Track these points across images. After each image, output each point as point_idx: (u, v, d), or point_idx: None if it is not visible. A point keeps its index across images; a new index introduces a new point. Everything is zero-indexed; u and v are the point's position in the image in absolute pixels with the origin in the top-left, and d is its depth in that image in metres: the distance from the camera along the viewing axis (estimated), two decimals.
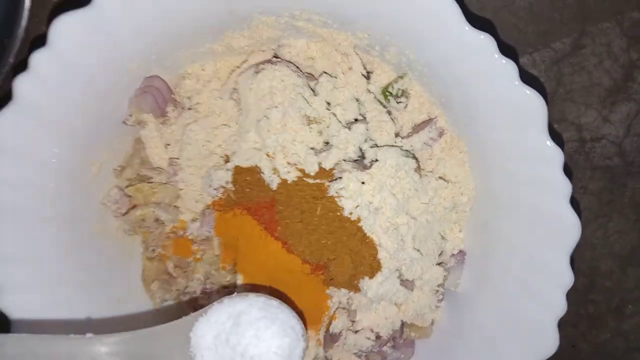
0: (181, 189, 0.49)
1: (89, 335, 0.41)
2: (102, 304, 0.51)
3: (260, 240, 0.45)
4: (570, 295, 0.60)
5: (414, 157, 0.46)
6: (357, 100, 0.46)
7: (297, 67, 0.47)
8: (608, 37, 0.55)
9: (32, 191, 0.45)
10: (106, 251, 0.53)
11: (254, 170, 0.45)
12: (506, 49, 0.54)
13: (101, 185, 0.51)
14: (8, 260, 0.45)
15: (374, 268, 0.44)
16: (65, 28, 0.39)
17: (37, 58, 0.40)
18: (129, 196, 0.51)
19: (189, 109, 0.49)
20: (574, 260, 0.58)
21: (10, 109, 0.42)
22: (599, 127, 0.57)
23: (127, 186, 0.51)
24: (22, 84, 0.41)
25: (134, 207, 0.51)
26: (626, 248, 0.59)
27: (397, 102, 0.46)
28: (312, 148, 0.45)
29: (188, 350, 0.41)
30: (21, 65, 0.42)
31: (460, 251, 0.50)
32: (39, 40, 0.54)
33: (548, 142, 0.40)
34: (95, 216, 0.51)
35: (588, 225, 0.59)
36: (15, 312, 0.46)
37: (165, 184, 0.50)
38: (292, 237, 0.44)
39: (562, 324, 0.61)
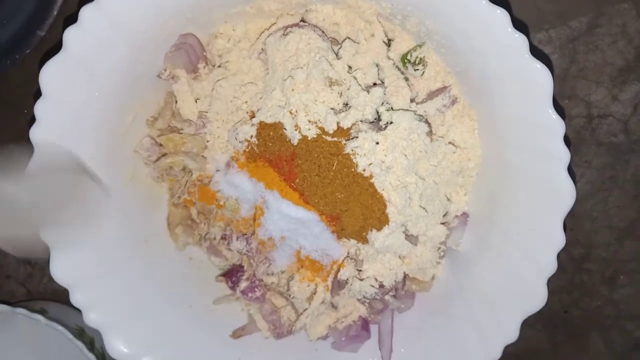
0: (208, 141, 0.53)
1: None
2: (130, 243, 0.56)
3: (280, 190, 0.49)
4: (567, 264, 0.64)
5: (427, 122, 0.49)
6: (377, 65, 0.49)
7: (323, 31, 0.49)
8: (624, 18, 0.57)
9: (72, 135, 0.49)
10: (136, 196, 0.57)
11: (277, 126, 0.48)
12: (520, 25, 0.56)
13: (135, 134, 0.54)
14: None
15: (382, 221, 0.48)
16: None
17: (86, 12, 0.44)
18: (160, 145, 0.55)
19: (219, 66, 0.52)
20: (568, 229, 0.62)
21: (58, 59, 0.45)
22: (608, 105, 0.59)
23: (158, 136, 0.55)
24: (70, 36, 0.44)
25: (164, 155, 0.55)
26: (624, 222, 0.62)
27: (415, 69, 0.49)
28: (332, 108, 0.48)
29: None
30: (71, 19, 0.46)
31: (464, 213, 0.53)
32: None
33: (552, 114, 0.42)
34: (128, 163, 0.55)
35: (589, 198, 0.62)
36: (53, 243, 0.50)
37: (194, 135, 0.54)
38: (308, 188, 0.48)
39: (557, 291, 0.65)
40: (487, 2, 0.41)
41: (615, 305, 0.65)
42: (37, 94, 0.47)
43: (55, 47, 0.46)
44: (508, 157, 0.48)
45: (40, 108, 0.46)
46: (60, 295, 0.66)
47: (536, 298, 0.47)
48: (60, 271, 0.50)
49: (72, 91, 0.47)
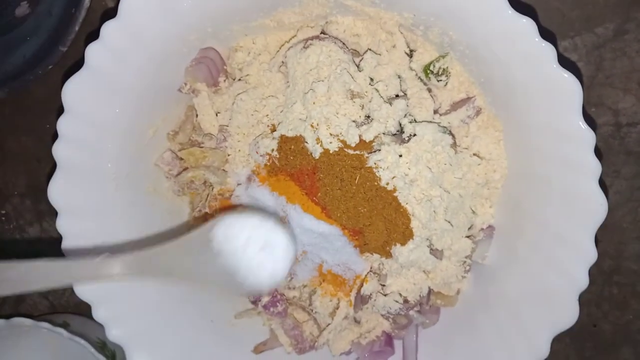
0: (229, 154, 0.53)
1: (102, 255, 0.42)
2: None
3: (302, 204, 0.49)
4: (596, 276, 0.62)
5: (451, 134, 0.49)
6: (399, 77, 0.49)
7: (344, 43, 0.49)
8: None
9: (95, 150, 0.49)
10: (157, 209, 0.57)
11: (299, 140, 0.48)
12: (546, 34, 0.54)
13: (156, 148, 0.55)
14: (71, 212, 0.49)
15: (406, 236, 0.47)
16: (135, 2, 0.43)
17: (108, 28, 0.44)
18: (181, 159, 0.55)
19: (240, 80, 0.52)
20: (597, 241, 0.60)
21: (80, 74, 0.45)
22: (637, 113, 0.57)
23: (179, 150, 0.55)
24: (92, 52, 0.45)
25: (185, 169, 0.55)
26: None
27: (438, 80, 0.48)
28: (354, 121, 0.47)
29: (205, 259, 0.41)
30: (93, 35, 0.46)
31: (490, 226, 0.52)
32: (107, 14, 0.59)
33: (582, 125, 0.41)
34: (149, 176, 0.55)
35: (618, 209, 0.60)
36: None
37: (214, 149, 0.53)
38: (331, 203, 0.47)
39: (585, 304, 0.63)
40: (513, 11, 0.40)
41: None
42: (60, 109, 0.47)
43: (78, 63, 0.46)
44: (535, 169, 0.47)
45: (63, 124, 0.47)
46: (83, 308, 0.66)
47: (567, 314, 0.45)
48: (83, 286, 0.50)
49: (95, 106, 0.47)
